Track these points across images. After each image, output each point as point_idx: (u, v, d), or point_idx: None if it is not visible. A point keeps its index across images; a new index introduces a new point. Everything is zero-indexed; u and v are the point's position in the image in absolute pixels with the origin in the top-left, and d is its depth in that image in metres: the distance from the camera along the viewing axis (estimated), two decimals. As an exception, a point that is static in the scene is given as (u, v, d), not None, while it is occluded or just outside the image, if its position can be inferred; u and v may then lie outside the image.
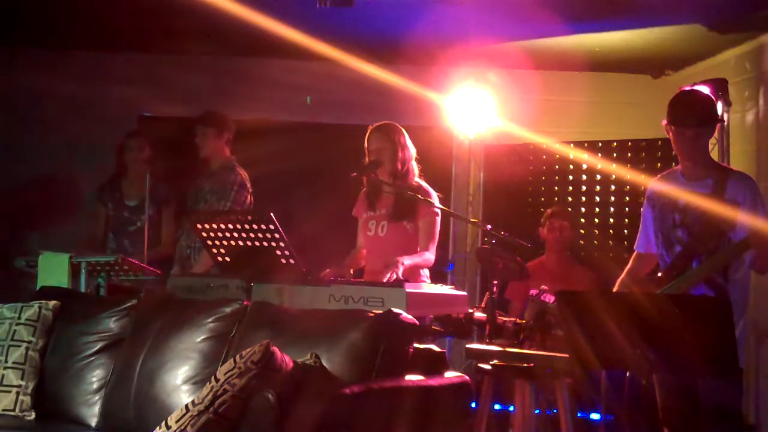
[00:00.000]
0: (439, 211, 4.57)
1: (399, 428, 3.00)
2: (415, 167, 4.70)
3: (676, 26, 5.70)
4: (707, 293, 3.68)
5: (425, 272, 4.62)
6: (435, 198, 4.61)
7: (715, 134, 6.04)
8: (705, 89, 5.93)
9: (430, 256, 4.55)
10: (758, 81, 5.76)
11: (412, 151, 4.70)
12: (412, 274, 4.46)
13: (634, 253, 4.11)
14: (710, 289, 3.69)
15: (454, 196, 7.00)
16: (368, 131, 4.72)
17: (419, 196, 4.52)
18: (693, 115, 3.79)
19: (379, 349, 3.18)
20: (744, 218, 3.69)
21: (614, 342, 3.11)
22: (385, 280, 4.12)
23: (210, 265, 4.91)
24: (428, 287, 4.28)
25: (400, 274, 4.20)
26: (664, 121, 3.86)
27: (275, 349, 2.88)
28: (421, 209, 4.57)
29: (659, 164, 6.10)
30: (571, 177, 6.50)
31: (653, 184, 4.04)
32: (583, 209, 6.44)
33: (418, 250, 4.55)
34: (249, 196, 5.44)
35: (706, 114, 3.84)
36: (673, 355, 3.11)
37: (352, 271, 4.55)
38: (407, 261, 4.34)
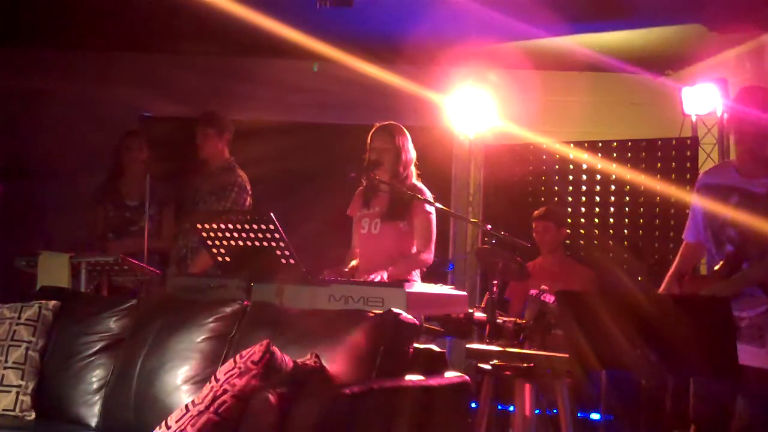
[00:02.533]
0: (433, 210, 4.57)
1: (399, 428, 3.00)
2: (413, 171, 4.71)
3: (676, 26, 5.70)
4: (756, 293, 3.59)
5: (415, 272, 4.62)
6: (430, 198, 4.61)
7: (715, 135, 6.09)
8: (705, 89, 5.96)
9: (427, 256, 4.55)
10: (758, 81, 5.76)
11: (413, 154, 4.71)
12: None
13: (683, 243, 3.98)
14: (760, 290, 3.59)
15: (454, 196, 7.00)
16: (373, 129, 4.72)
17: (417, 195, 4.53)
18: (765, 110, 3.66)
19: (379, 349, 3.18)
20: None
21: (614, 342, 3.10)
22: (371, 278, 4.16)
23: (207, 265, 4.92)
24: (428, 287, 4.28)
25: (385, 278, 4.23)
26: (727, 114, 3.75)
27: (275, 349, 2.88)
28: (415, 208, 4.57)
29: (659, 164, 6.11)
30: (571, 177, 6.49)
31: (704, 176, 3.96)
32: (583, 209, 6.44)
33: (415, 250, 4.56)
34: (248, 198, 5.42)
35: None
36: (674, 356, 3.11)
37: (347, 269, 4.56)
38: (387, 274, 4.32)
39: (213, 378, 2.88)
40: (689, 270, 3.94)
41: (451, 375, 3.46)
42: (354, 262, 4.63)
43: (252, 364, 2.82)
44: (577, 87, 6.96)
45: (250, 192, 5.43)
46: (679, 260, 3.96)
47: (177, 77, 6.87)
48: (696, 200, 3.91)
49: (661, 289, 3.91)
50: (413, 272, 4.57)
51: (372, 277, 4.22)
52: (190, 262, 5.31)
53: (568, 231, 6.01)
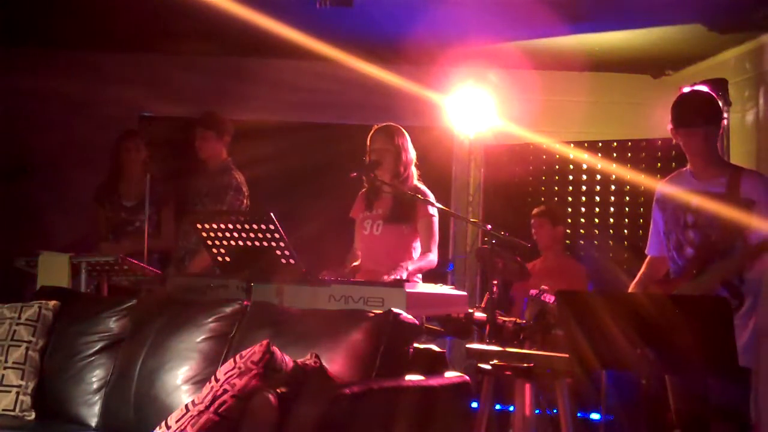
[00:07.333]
0: (436, 212, 4.58)
1: (399, 428, 3.00)
2: (414, 171, 4.71)
3: (676, 26, 5.70)
4: (721, 293, 3.62)
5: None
6: (432, 200, 4.62)
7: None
8: (705, 89, 5.95)
9: (433, 257, 4.57)
10: (758, 81, 5.76)
11: (413, 155, 4.73)
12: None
13: (647, 258, 4.04)
14: (725, 289, 3.64)
15: (454, 196, 7.00)
16: (372, 130, 4.73)
17: (418, 196, 4.54)
18: (700, 115, 3.76)
19: (379, 349, 3.18)
20: (761, 218, 3.62)
21: (614, 342, 3.11)
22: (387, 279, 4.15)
23: (204, 266, 4.92)
24: (428, 287, 4.28)
25: (404, 277, 4.22)
26: (669, 126, 3.82)
27: (275, 349, 2.88)
28: (419, 211, 4.58)
29: (659, 164, 6.10)
30: (571, 177, 6.50)
31: (662, 186, 3.98)
32: (583, 209, 6.45)
33: (421, 251, 4.57)
34: (245, 200, 5.37)
35: (712, 112, 3.81)
36: (673, 355, 3.11)
37: (348, 270, 4.57)
38: (411, 267, 4.37)
39: (213, 378, 2.88)
40: (652, 282, 3.96)
41: (451, 375, 3.47)
42: (356, 263, 4.63)
43: (252, 364, 2.82)
44: (577, 87, 6.95)
45: (246, 193, 5.39)
46: (643, 273, 4.02)
47: (177, 77, 6.87)
48: (656, 211, 3.97)
49: None
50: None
51: (393, 276, 4.22)
52: (188, 263, 5.30)
53: (568, 231, 6.02)
